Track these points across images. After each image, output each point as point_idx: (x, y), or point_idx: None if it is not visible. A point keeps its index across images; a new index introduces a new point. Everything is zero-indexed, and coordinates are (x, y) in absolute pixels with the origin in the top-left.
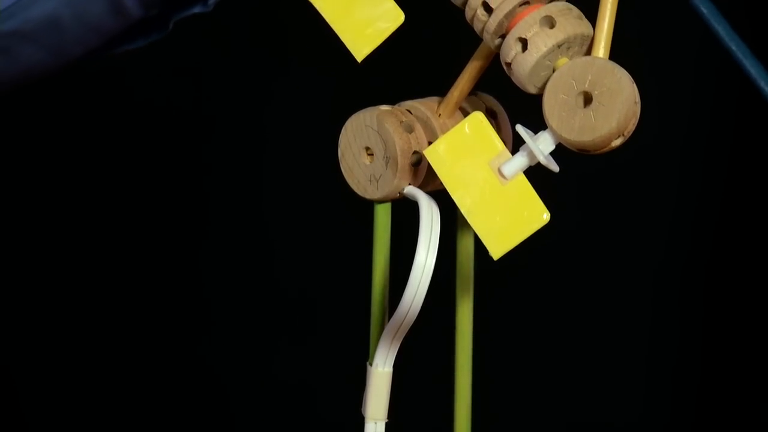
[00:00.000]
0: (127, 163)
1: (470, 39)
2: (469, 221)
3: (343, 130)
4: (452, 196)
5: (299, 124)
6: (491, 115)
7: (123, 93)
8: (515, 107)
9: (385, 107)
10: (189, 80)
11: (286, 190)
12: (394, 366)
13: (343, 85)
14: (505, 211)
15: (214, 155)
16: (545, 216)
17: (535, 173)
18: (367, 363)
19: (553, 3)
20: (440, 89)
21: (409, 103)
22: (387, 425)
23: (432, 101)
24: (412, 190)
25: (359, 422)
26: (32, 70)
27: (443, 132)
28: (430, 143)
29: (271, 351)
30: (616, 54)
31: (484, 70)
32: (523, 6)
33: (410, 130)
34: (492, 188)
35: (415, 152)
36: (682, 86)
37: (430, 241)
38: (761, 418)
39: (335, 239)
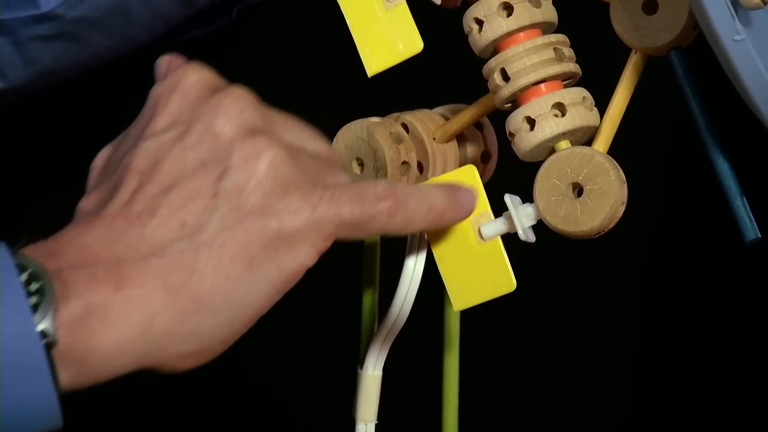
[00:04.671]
0: None
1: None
2: (438, 267)
3: (334, 141)
4: (428, 238)
5: None
6: (478, 128)
7: (117, 93)
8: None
9: (375, 119)
10: None
11: None
12: (384, 369)
13: (336, 96)
14: (476, 269)
15: None
16: (513, 285)
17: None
18: (358, 366)
19: (568, 89)
20: (438, 98)
21: (408, 118)
22: (377, 427)
23: (430, 120)
24: None
25: (350, 424)
26: (99, 56)
27: (435, 156)
28: (419, 163)
29: (262, 355)
30: (612, 54)
31: (487, 114)
32: (539, 84)
33: (399, 141)
34: (468, 243)
35: (404, 162)
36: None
37: (418, 248)
38: (740, 415)
39: None
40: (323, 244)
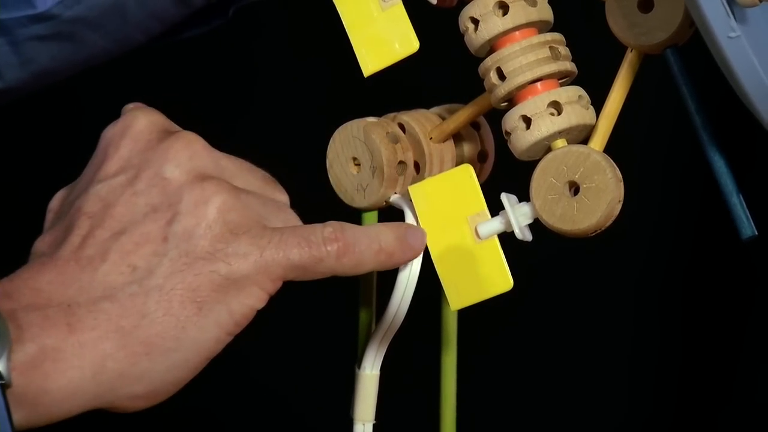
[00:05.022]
0: None
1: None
2: (435, 267)
3: (331, 141)
4: (426, 238)
5: (288, 134)
6: (475, 128)
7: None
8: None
9: (371, 119)
10: (179, 86)
11: None
12: (382, 369)
13: (333, 96)
14: (473, 268)
15: None
16: (510, 284)
17: (522, 172)
18: (355, 366)
19: (564, 88)
20: (434, 98)
21: (405, 118)
22: (375, 427)
23: (426, 120)
24: (398, 199)
25: (347, 424)
26: (96, 57)
27: (431, 155)
28: (416, 162)
29: (260, 355)
30: (607, 52)
31: (483, 113)
32: (535, 82)
33: (396, 140)
34: (465, 243)
35: (400, 162)
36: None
37: None
38: (738, 414)
39: None
40: (272, 287)
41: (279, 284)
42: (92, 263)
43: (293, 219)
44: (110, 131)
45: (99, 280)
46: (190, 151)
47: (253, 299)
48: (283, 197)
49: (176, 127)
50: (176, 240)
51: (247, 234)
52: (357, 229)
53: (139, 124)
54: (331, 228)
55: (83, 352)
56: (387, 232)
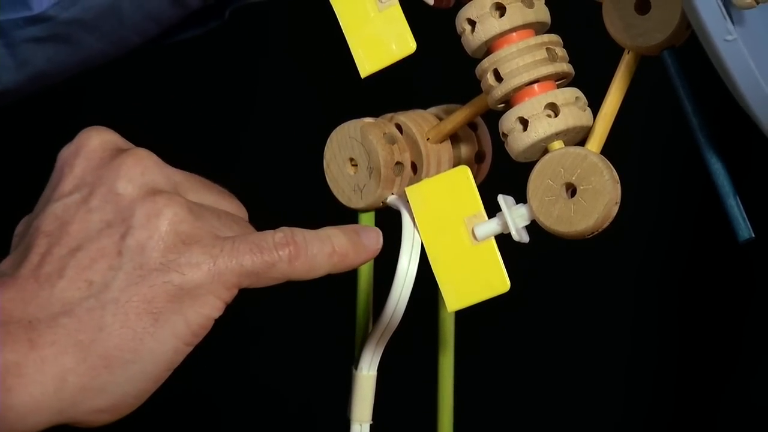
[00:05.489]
0: None
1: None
2: (432, 268)
3: (328, 141)
4: (422, 238)
5: (285, 135)
6: (472, 128)
7: (108, 97)
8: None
9: (368, 119)
10: (178, 87)
11: (271, 200)
12: (379, 369)
13: (330, 96)
14: (469, 269)
15: (200, 163)
16: (506, 285)
17: (519, 174)
18: (352, 367)
19: (561, 89)
20: (431, 99)
21: (402, 119)
22: (372, 428)
23: (424, 120)
24: (395, 200)
25: (345, 425)
26: (92, 59)
27: (428, 156)
28: (413, 163)
29: (258, 355)
30: (604, 54)
31: (480, 114)
32: (532, 84)
33: (393, 141)
34: (461, 244)
35: (397, 163)
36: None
37: (412, 249)
38: (735, 415)
39: None
40: (227, 295)
41: (234, 292)
42: (50, 280)
43: (248, 230)
44: (65, 152)
45: (57, 296)
46: (141, 167)
47: (209, 308)
48: (240, 211)
49: (129, 145)
50: (130, 253)
51: (199, 244)
52: (308, 233)
53: (92, 143)
54: (281, 233)
55: (44, 368)
56: (339, 234)
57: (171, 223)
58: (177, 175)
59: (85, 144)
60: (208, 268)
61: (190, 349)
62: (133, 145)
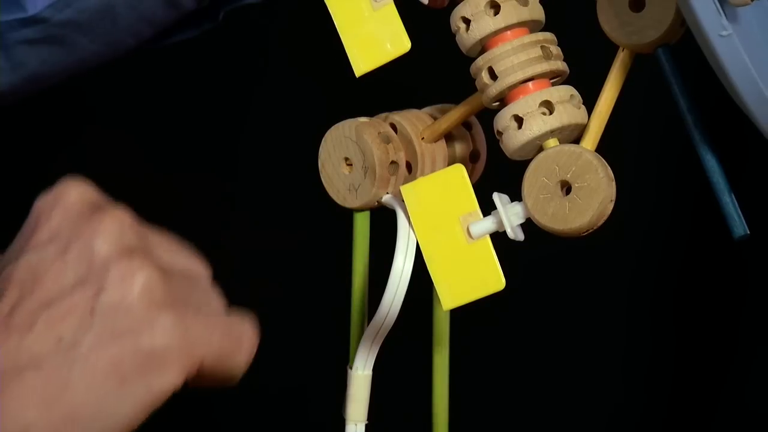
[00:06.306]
0: (111, 166)
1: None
2: (427, 266)
3: (323, 140)
4: (417, 237)
5: (280, 134)
6: (467, 127)
7: (108, 97)
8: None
9: (363, 119)
10: (176, 88)
11: (267, 199)
12: (374, 369)
13: (325, 96)
14: (465, 267)
15: (196, 162)
16: (502, 283)
17: (514, 172)
18: (348, 366)
19: (556, 87)
20: (426, 98)
21: (397, 118)
22: (367, 427)
23: (418, 120)
24: (390, 199)
25: (340, 424)
26: (86, 61)
27: (423, 155)
28: (408, 162)
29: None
30: (599, 52)
31: (475, 113)
32: (527, 82)
33: (388, 140)
34: (456, 242)
35: (392, 162)
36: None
37: (407, 248)
38: (730, 420)
39: (316, 246)
40: (190, 368)
41: (195, 368)
42: (19, 332)
43: (215, 296)
44: (42, 200)
45: (25, 349)
46: (119, 227)
47: (173, 376)
48: (206, 272)
49: (107, 201)
50: (102, 313)
51: (172, 310)
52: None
53: (70, 196)
54: (249, 324)
55: (7, 420)
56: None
57: (144, 286)
58: (151, 236)
59: (64, 196)
60: (180, 335)
61: (147, 414)
62: (110, 202)
